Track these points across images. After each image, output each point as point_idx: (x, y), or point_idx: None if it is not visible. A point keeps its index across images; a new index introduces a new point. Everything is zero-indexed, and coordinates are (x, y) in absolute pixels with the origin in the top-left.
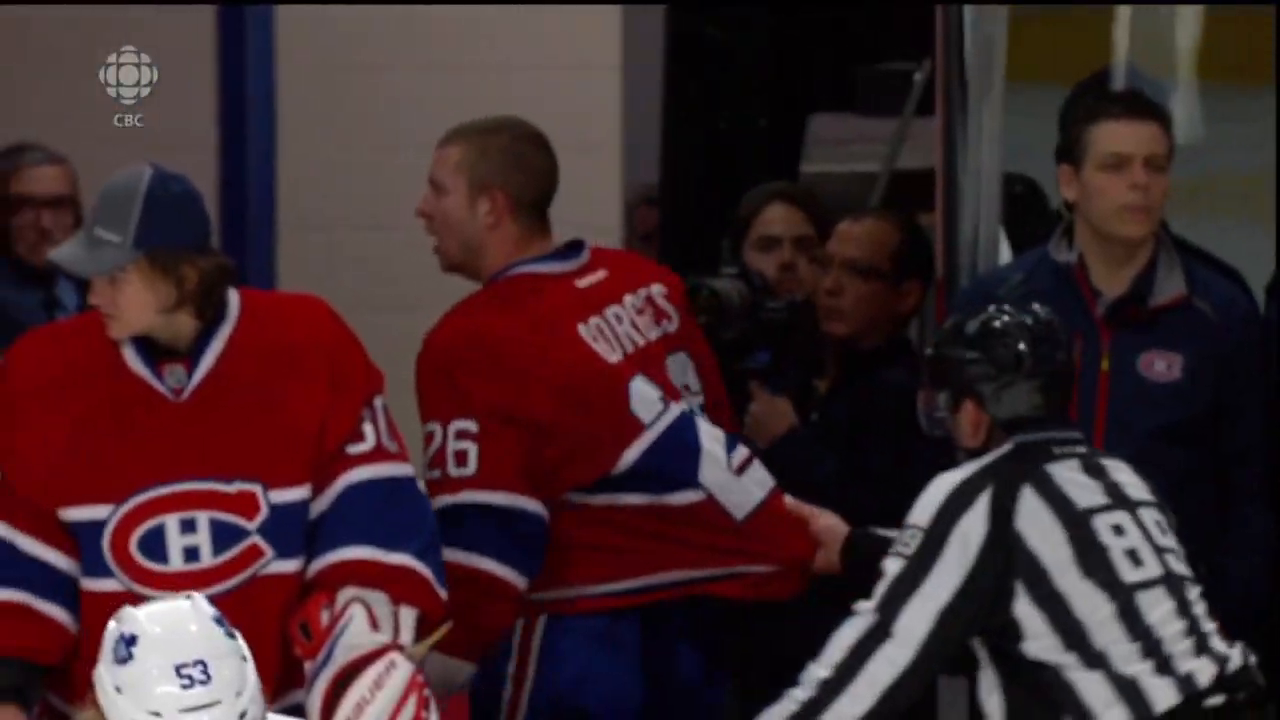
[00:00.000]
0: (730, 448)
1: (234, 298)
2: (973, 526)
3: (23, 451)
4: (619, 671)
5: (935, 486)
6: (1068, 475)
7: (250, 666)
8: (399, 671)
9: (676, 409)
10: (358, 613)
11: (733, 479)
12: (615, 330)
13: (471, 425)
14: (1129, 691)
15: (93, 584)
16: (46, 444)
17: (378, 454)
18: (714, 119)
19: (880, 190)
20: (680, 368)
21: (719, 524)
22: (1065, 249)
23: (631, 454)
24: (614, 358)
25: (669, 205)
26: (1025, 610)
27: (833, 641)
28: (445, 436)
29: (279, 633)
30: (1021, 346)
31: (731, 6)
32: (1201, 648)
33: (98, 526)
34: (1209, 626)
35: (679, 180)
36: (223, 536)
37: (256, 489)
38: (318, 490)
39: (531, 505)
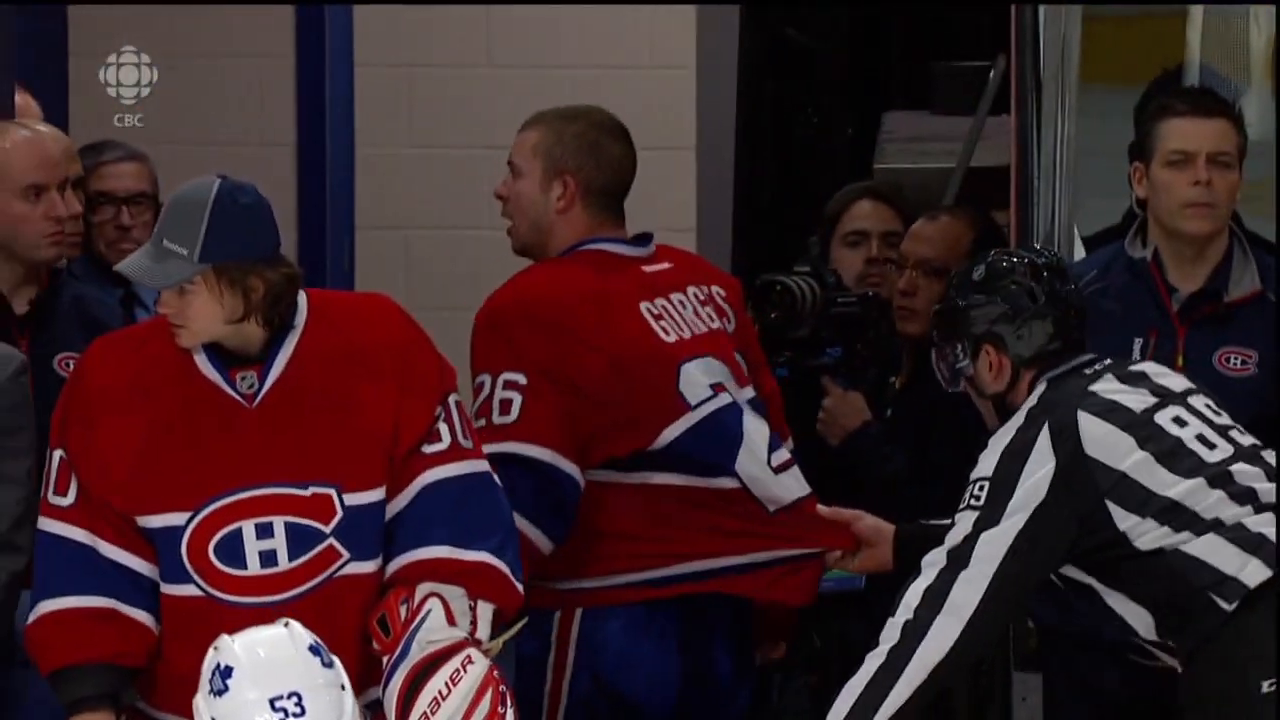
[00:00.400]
0: (774, 447)
1: (303, 300)
2: (1040, 465)
3: (99, 458)
4: (658, 656)
5: (992, 443)
6: (1112, 389)
7: (348, 695)
8: (475, 666)
9: (726, 397)
10: (435, 607)
11: (769, 474)
12: (679, 314)
13: (520, 378)
14: (1256, 544)
15: (172, 589)
16: (122, 451)
17: (454, 452)
18: (789, 118)
19: (954, 187)
20: (736, 365)
21: (750, 512)
22: (1140, 246)
23: (671, 432)
24: (671, 339)
25: (744, 204)
26: (1128, 522)
27: (907, 592)
28: (494, 386)
29: (358, 632)
30: (1032, 283)
31: (808, 5)
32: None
33: (175, 533)
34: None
35: (754, 179)
36: (299, 540)
37: (331, 492)
38: (395, 490)
39: (569, 467)
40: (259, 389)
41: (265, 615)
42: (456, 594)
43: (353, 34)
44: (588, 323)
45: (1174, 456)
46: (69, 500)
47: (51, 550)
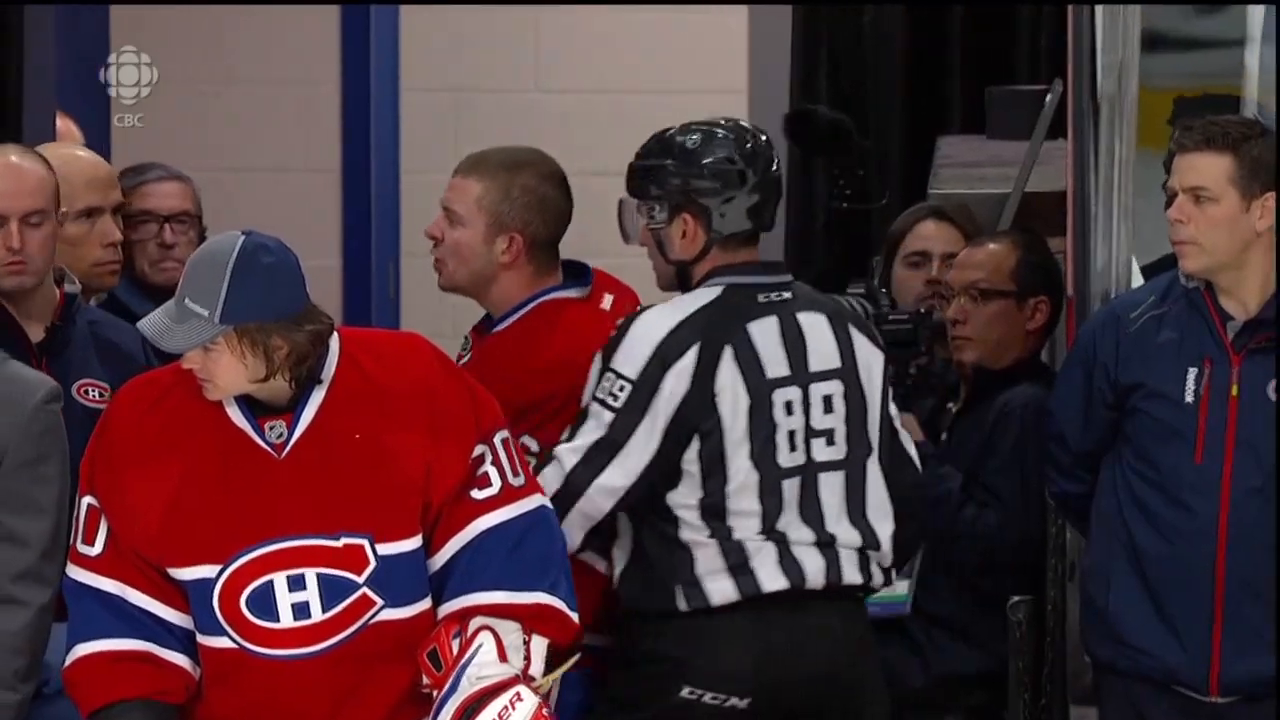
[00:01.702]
0: None
1: (334, 344)
2: (678, 383)
3: (129, 507)
4: None
5: (643, 331)
6: (765, 337)
7: None
8: (525, 704)
9: None
10: (487, 641)
11: None
12: None
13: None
14: (740, 568)
15: (207, 640)
16: (151, 502)
17: (505, 495)
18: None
19: (1010, 213)
20: None
21: None
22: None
23: None
24: None
25: (797, 233)
26: (689, 461)
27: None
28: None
29: (395, 679)
30: (745, 166)
31: (861, 27)
32: (822, 542)
33: (206, 585)
34: (841, 522)
35: (808, 207)
36: (332, 591)
37: (363, 542)
38: (444, 537)
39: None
40: (288, 439)
41: (300, 668)
42: (510, 628)
43: (399, 58)
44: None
45: (759, 441)
46: (97, 550)
47: (82, 598)
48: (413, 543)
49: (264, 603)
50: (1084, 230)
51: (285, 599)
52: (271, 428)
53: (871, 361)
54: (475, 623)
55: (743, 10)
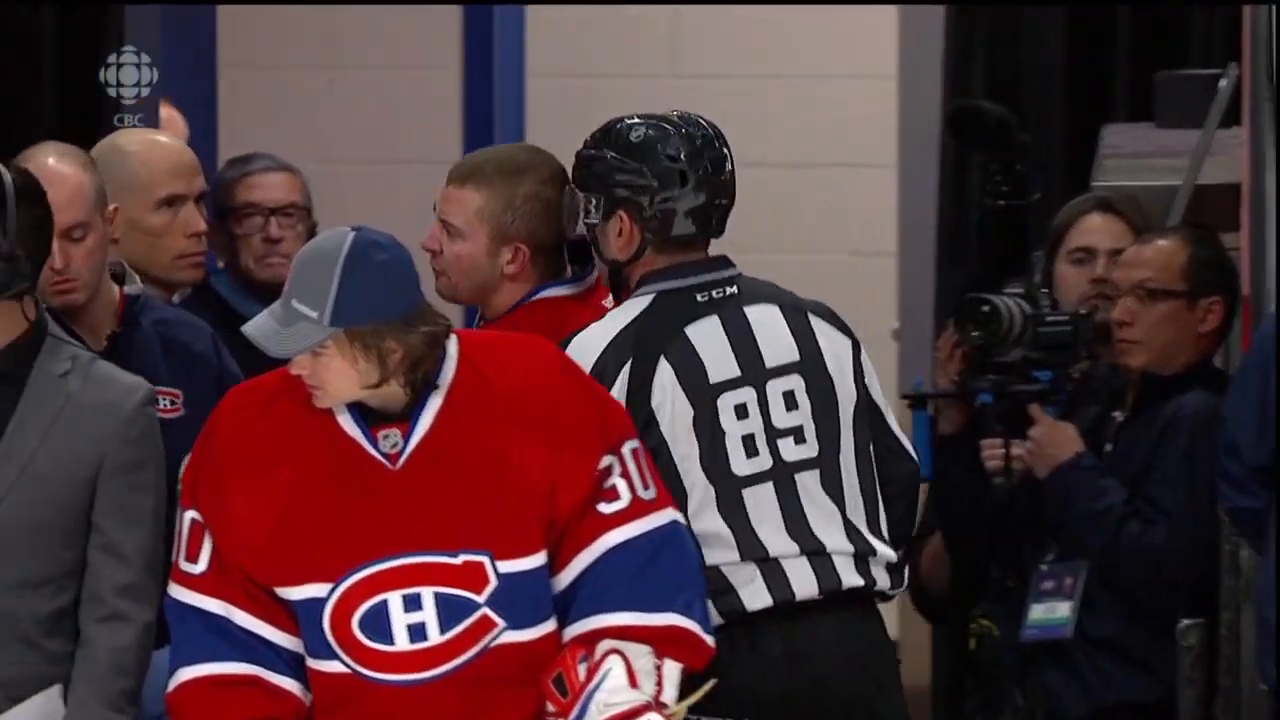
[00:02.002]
0: None
1: (452, 347)
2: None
3: (234, 523)
4: None
5: (577, 354)
6: (706, 340)
7: None
8: None
9: None
10: (616, 665)
11: None
12: None
13: None
14: (721, 592)
15: (318, 665)
16: (258, 517)
17: (634, 509)
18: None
19: (1180, 207)
20: None
21: None
22: None
23: None
24: None
25: (949, 228)
26: None
27: None
28: None
29: (517, 705)
30: (686, 166)
31: (1019, 8)
32: (808, 549)
33: (317, 606)
34: (830, 528)
35: (960, 199)
36: (450, 611)
37: (484, 559)
38: (570, 554)
39: None
40: (403, 448)
41: (417, 694)
42: (641, 652)
43: (524, 41)
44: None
45: (709, 452)
46: (201, 568)
47: (186, 619)
48: (536, 560)
49: (378, 624)
50: (1260, 225)
51: (400, 620)
52: (385, 437)
53: (839, 350)
54: (603, 646)
55: None
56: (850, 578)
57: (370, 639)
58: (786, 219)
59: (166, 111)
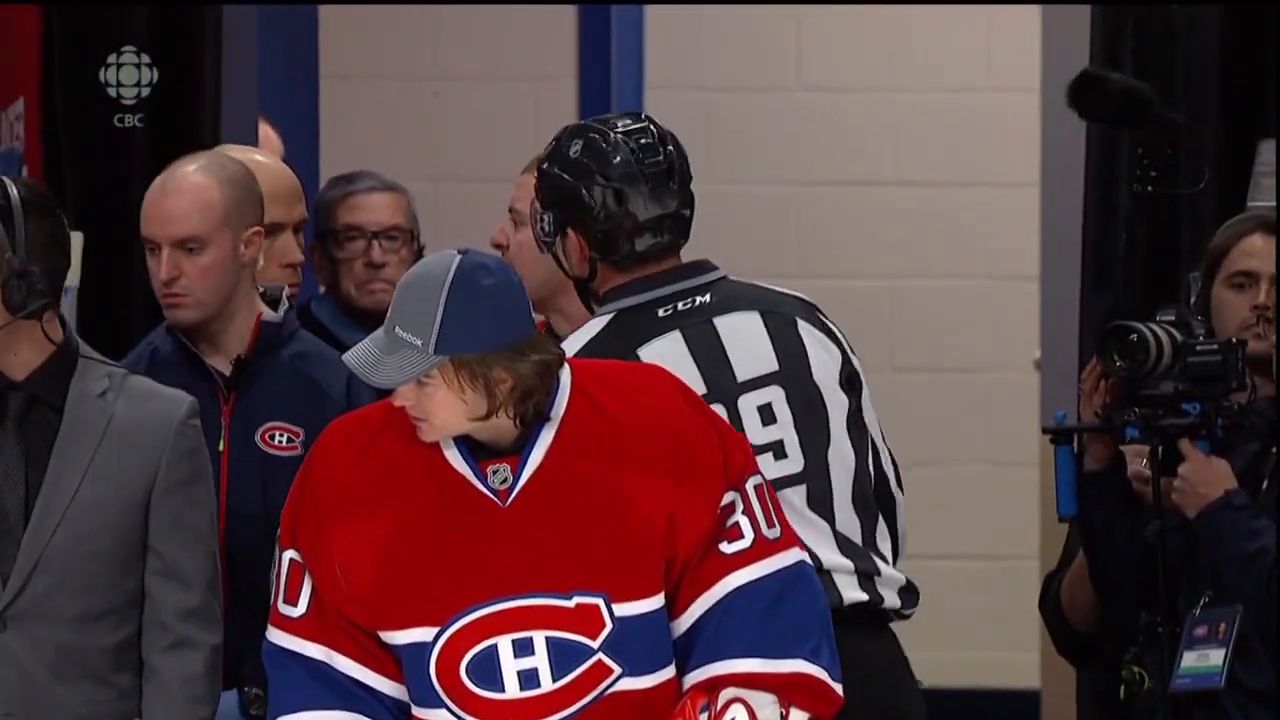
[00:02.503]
0: None
1: (565, 378)
2: None
3: (336, 565)
4: None
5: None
6: (662, 358)
7: None
8: None
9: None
10: (740, 714)
11: None
12: None
13: None
14: None
15: (424, 713)
16: (361, 558)
17: (758, 549)
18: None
19: None
20: None
21: None
22: None
23: None
24: None
25: (1096, 250)
26: None
27: None
28: None
29: None
30: (623, 185)
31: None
32: None
33: (422, 650)
34: (822, 544)
35: (1107, 220)
36: (563, 657)
37: (599, 602)
38: (691, 596)
39: None
40: (514, 484)
41: None
42: (765, 701)
43: (643, 53)
44: None
45: None
46: (300, 610)
47: (285, 665)
48: (654, 602)
49: (487, 670)
50: None
51: (511, 666)
52: (495, 472)
53: (827, 357)
54: (726, 694)
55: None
56: (852, 593)
57: (479, 686)
58: (921, 241)
59: (263, 130)
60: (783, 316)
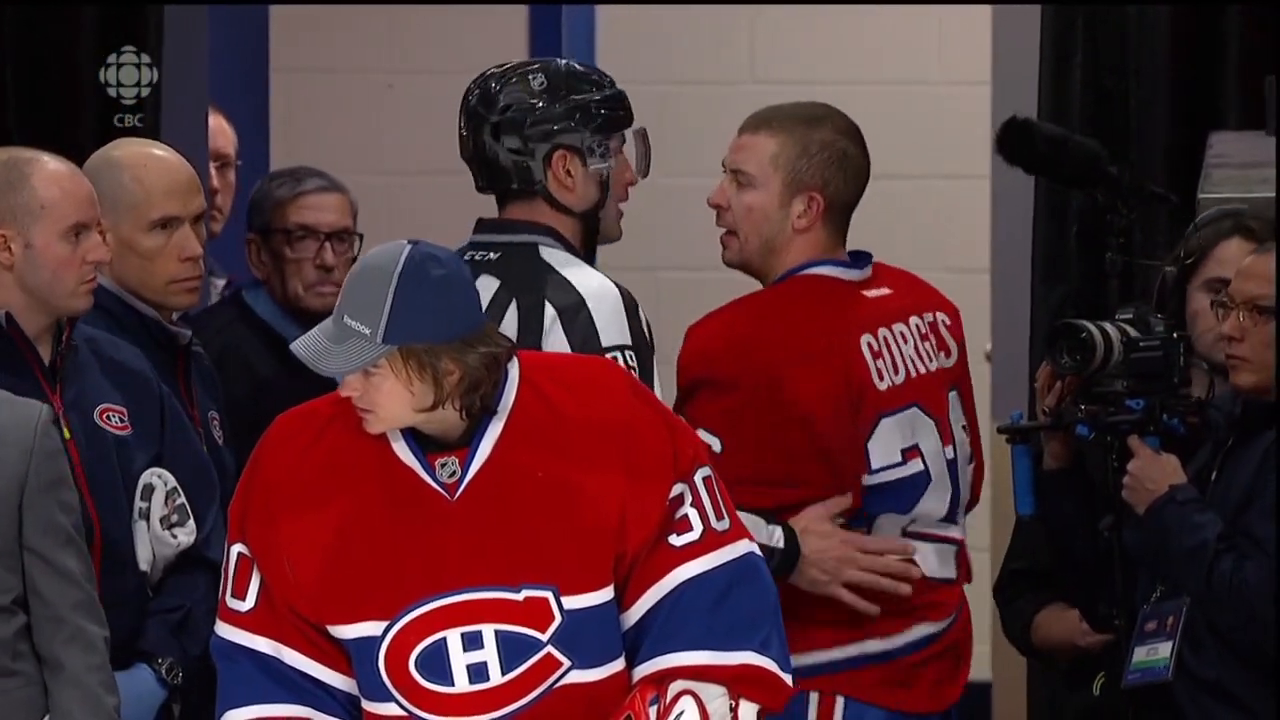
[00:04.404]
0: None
1: (514, 370)
2: None
3: (283, 559)
4: None
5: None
6: None
7: None
8: None
9: (916, 465)
10: (689, 707)
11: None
12: (899, 350)
13: (715, 442)
14: None
15: (373, 707)
16: (309, 552)
17: (707, 541)
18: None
19: None
20: (955, 406)
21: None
22: None
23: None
24: (884, 384)
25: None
26: None
27: None
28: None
29: None
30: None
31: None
32: None
33: (371, 644)
34: None
35: (1059, 213)
36: (513, 650)
37: (548, 595)
38: (639, 589)
39: None
40: (462, 477)
41: None
42: (714, 693)
43: (595, 46)
44: (793, 376)
45: None
46: (249, 604)
47: (234, 659)
48: (603, 595)
49: (436, 664)
50: None
51: (460, 659)
52: (443, 465)
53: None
54: (675, 687)
55: None
56: None
57: (428, 680)
58: (873, 234)
59: (216, 120)
60: (514, 293)
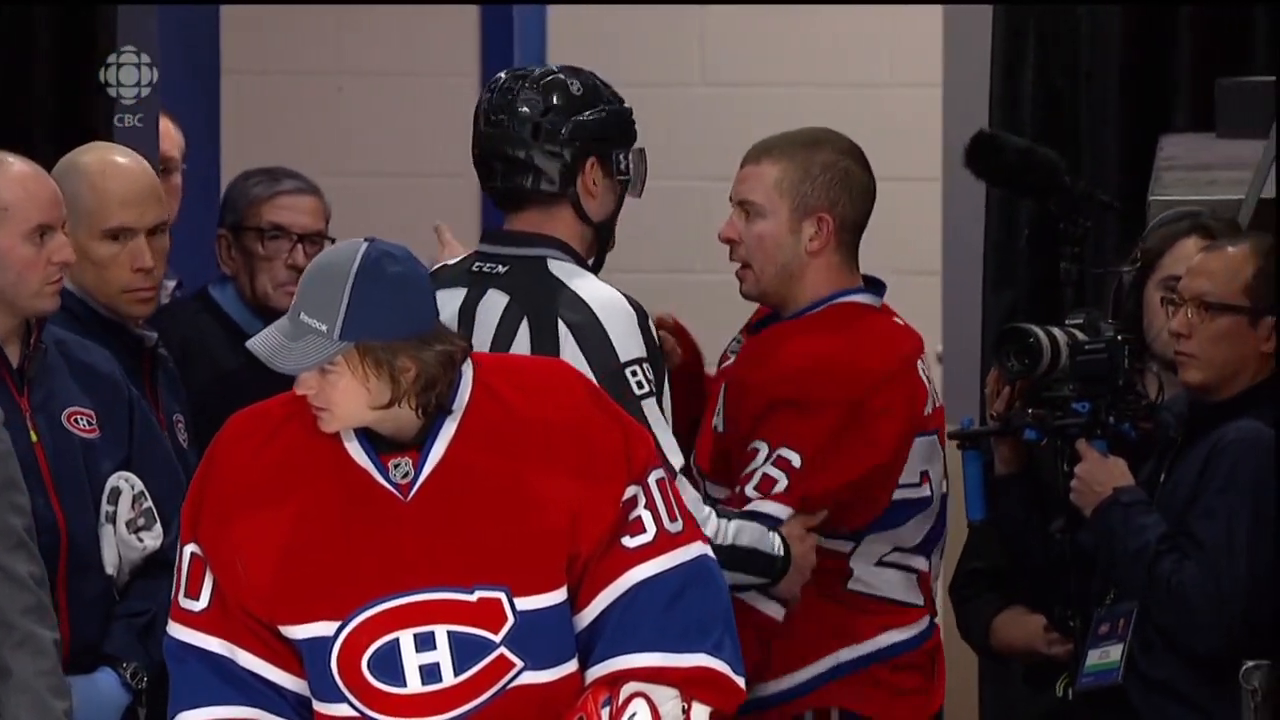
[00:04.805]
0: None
1: (467, 371)
2: None
3: (236, 557)
4: None
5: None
6: (445, 309)
7: None
8: None
9: (924, 490)
10: (641, 709)
11: None
12: (930, 377)
13: (795, 458)
14: None
15: (325, 708)
16: (261, 552)
17: (661, 543)
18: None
19: (1244, 222)
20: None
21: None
22: None
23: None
24: (932, 405)
25: (998, 244)
26: None
27: None
28: (768, 458)
29: None
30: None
31: (1074, 12)
32: None
33: (323, 645)
34: None
35: (1010, 215)
36: (465, 651)
37: (500, 596)
38: (593, 591)
39: None
40: (415, 478)
41: None
42: (667, 695)
43: (546, 48)
44: (892, 397)
45: None
46: (202, 605)
47: (186, 660)
48: (556, 596)
49: (388, 665)
50: None
51: (412, 660)
52: (396, 465)
53: None
54: (628, 689)
55: None
56: None
57: (380, 680)
58: None
59: (164, 124)
60: (524, 311)
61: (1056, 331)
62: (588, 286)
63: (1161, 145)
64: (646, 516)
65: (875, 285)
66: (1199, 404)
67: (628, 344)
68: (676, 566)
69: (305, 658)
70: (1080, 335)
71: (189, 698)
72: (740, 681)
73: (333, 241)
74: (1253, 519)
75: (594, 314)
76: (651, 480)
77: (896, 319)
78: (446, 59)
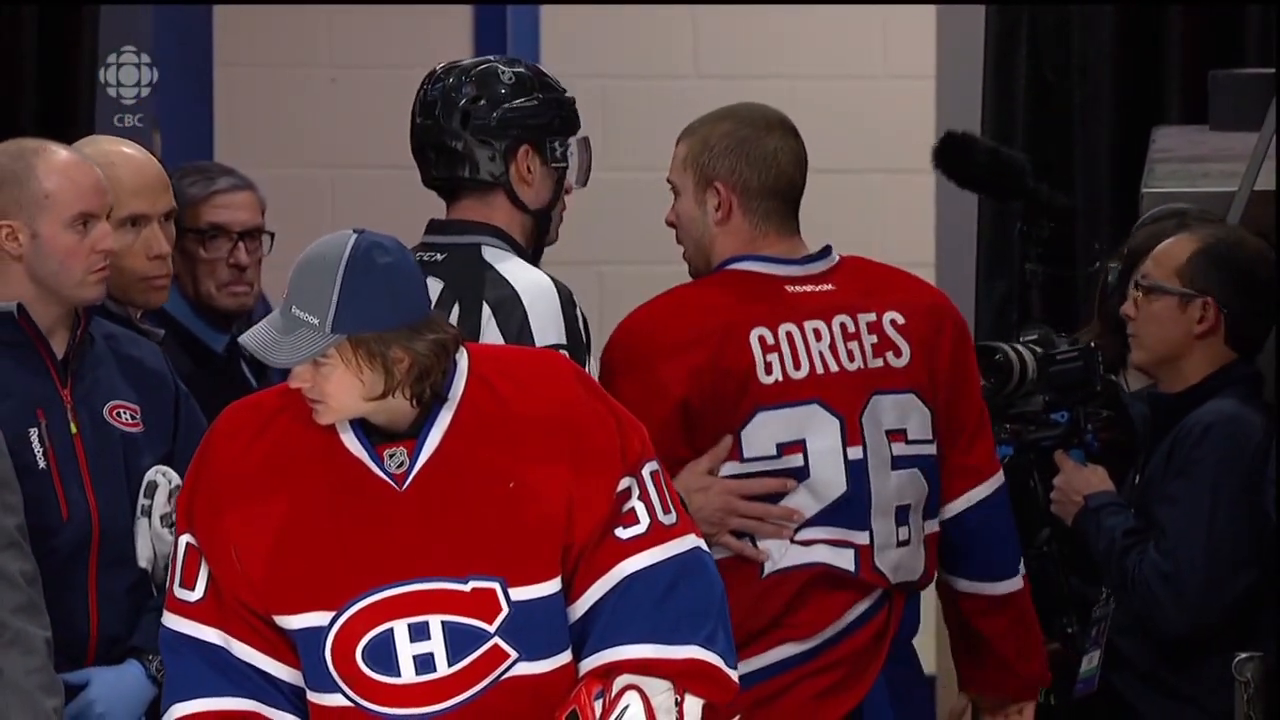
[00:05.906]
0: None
1: (462, 361)
2: None
3: (231, 550)
4: None
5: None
6: None
7: None
8: None
9: (796, 459)
10: (634, 702)
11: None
12: (805, 346)
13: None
14: None
15: (319, 698)
16: (256, 542)
17: (654, 535)
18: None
19: (1237, 214)
20: (900, 410)
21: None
22: None
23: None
24: (770, 378)
25: (991, 235)
26: None
27: None
28: None
29: None
30: None
31: (1066, 5)
32: None
33: (317, 635)
34: None
35: (1003, 207)
36: (459, 641)
37: (495, 586)
38: (586, 582)
39: None
40: (410, 468)
41: None
42: (660, 687)
43: (539, 40)
44: (673, 364)
45: None
46: (197, 595)
47: (181, 651)
48: (550, 587)
49: (383, 655)
50: None
51: (407, 650)
52: (391, 455)
53: None
54: (621, 681)
55: None
56: None
57: (374, 670)
58: (818, 228)
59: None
60: (459, 294)
61: (1022, 349)
62: (514, 269)
63: (1155, 137)
64: (640, 508)
65: (810, 257)
66: (1160, 399)
67: (547, 328)
68: (670, 558)
69: (300, 648)
70: (1039, 350)
71: (184, 689)
72: (734, 675)
73: (272, 236)
74: (1212, 499)
75: (516, 294)
76: (645, 472)
77: (799, 287)
78: (440, 52)
